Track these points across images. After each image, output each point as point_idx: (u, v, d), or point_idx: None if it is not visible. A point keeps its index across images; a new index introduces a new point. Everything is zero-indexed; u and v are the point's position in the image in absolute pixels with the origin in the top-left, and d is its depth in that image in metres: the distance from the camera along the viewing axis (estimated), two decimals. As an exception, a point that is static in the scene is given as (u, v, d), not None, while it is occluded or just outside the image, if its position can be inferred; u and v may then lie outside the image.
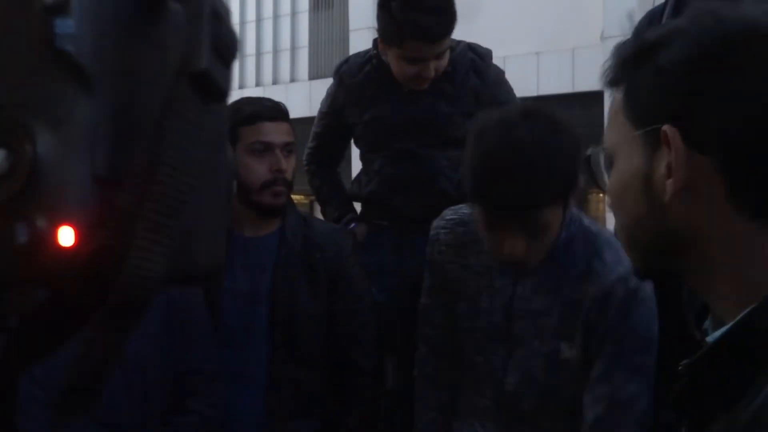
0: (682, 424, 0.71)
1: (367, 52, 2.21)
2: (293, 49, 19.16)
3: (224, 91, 0.36)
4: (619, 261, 1.40)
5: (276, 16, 19.53)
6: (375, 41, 2.17)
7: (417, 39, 1.95)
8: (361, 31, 17.62)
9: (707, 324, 0.73)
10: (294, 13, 19.29)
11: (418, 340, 1.67)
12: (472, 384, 1.53)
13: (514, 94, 2.22)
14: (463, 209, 1.59)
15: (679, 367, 0.69)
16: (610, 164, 0.76)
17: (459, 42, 2.16)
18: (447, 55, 2.05)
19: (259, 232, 1.81)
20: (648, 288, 1.38)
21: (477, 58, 2.14)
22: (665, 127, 0.66)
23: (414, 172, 2.08)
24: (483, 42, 2.25)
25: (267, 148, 1.73)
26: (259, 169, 1.73)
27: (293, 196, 1.90)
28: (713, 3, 0.70)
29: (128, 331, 0.33)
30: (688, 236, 0.68)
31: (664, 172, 0.67)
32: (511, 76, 2.30)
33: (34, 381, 1.36)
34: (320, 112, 2.33)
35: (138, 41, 0.33)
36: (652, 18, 1.94)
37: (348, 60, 2.26)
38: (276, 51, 19.43)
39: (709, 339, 0.69)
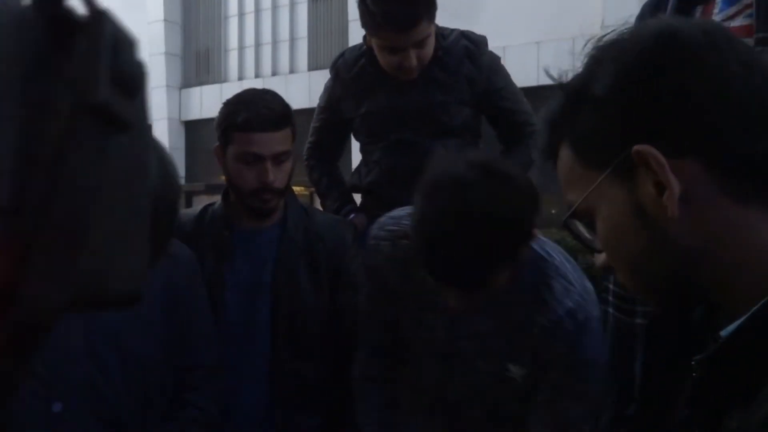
0: (696, 420, 0.69)
1: (362, 45, 2.20)
2: (292, 40, 19.11)
3: (128, 123, 0.36)
4: (568, 291, 1.37)
5: (274, 7, 19.48)
6: (364, 47, 2.17)
7: (389, 29, 1.94)
8: (360, 21, 17.59)
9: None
10: (293, 4, 19.23)
11: (359, 343, 1.64)
12: (415, 385, 1.51)
13: (511, 80, 2.20)
14: (404, 220, 1.48)
15: (693, 363, 0.67)
16: (590, 223, 0.73)
17: (452, 30, 2.15)
18: (431, 43, 2.03)
19: (259, 224, 1.80)
20: (595, 319, 1.37)
21: (471, 44, 2.12)
22: (636, 148, 0.64)
23: (411, 163, 2.03)
24: (483, 32, 2.23)
25: (257, 158, 1.69)
26: (247, 177, 1.70)
27: (295, 188, 1.88)
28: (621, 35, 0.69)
29: (29, 358, 0.34)
30: (699, 248, 0.66)
31: (654, 192, 0.65)
32: (511, 67, 2.28)
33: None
34: (318, 106, 2.33)
35: (43, 74, 0.33)
36: (659, 2, 1.91)
37: (344, 54, 2.26)
38: (275, 42, 19.38)
39: (723, 333, 0.66)
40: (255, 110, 1.69)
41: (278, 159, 1.71)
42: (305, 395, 1.74)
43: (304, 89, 18.36)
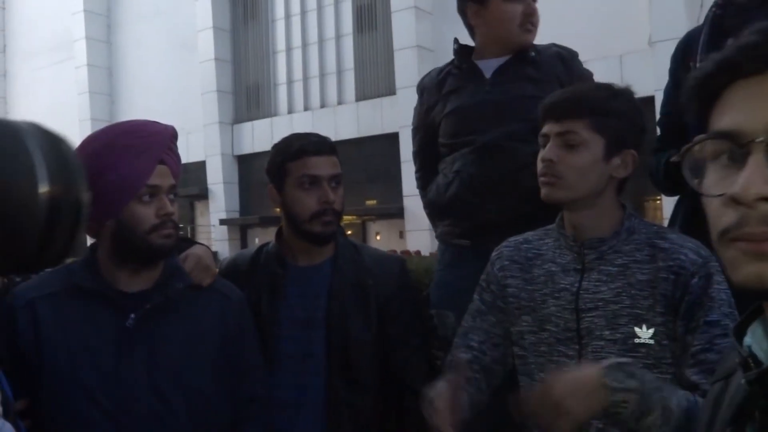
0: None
1: (444, 65, 2.23)
2: (339, 72, 19.44)
3: None
4: (685, 239, 1.42)
5: (321, 41, 19.87)
6: (455, 46, 2.18)
7: None
8: (405, 51, 17.79)
9: (749, 341, 0.72)
10: (339, 37, 19.59)
11: (458, 337, 1.65)
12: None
13: None
14: (527, 233, 1.64)
15: (744, 381, 0.69)
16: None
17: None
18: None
19: (312, 261, 1.86)
20: (717, 263, 1.37)
21: (563, 50, 2.14)
22: None
23: (497, 168, 1.98)
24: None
25: (314, 181, 1.77)
26: (308, 202, 1.77)
27: (346, 217, 1.94)
28: None
29: None
30: None
31: None
32: (561, 87, 2.29)
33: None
34: (412, 131, 2.33)
35: None
36: (691, 38, 1.93)
37: (429, 73, 2.29)
38: (322, 75, 19.73)
39: None
40: (306, 139, 1.82)
41: (334, 180, 1.80)
42: (360, 426, 1.78)
43: (352, 120, 18.60)
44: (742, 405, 0.70)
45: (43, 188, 0.49)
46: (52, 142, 0.51)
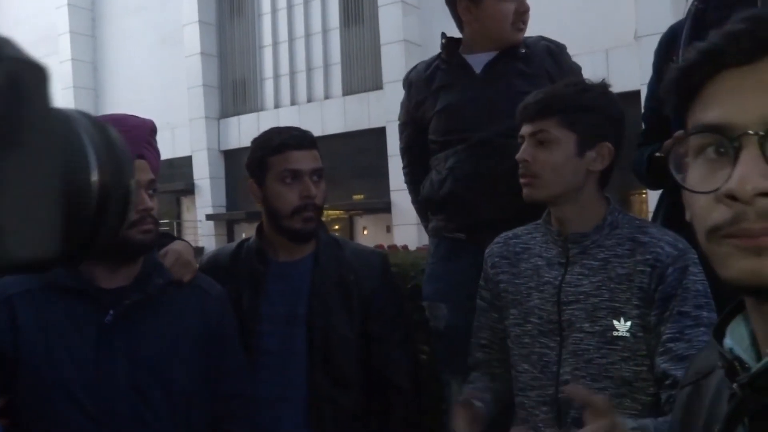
0: None
1: (433, 57, 2.21)
2: (326, 66, 19.38)
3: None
4: (664, 233, 1.45)
5: (308, 35, 19.80)
6: (443, 40, 2.16)
7: None
8: (392, 45, 17.77)
9: (729, 343, 0.70)
10: (325, 31, 19.52)
11: (470, 364, 1.69)
12: (522, 391, 1.54)
13: None
14: (517, 228, 1.67)
15: (735, 384, 0.66)
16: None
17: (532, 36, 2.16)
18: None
19: (293, 257, 1.84)
20: (695, 256, 1.40)
21: (551, 44, 2.13)
22: None
23: (492, 166, 1.98)
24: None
25: (296, 175, 1.76)
26: (289, 197, 1.76)
27: (333, 211, 1.92)
28: None
29: None
30: None
31: None
32: (546, 80, 2.28)
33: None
34: (399, 126, 2.31)
35: None
36: (674, 32, 1.93)
37: (415, 67, 2.27)
38: (309, 69, 19.67)
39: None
40: (287, 133, 1.80)
41: (315, 175, 1.79)
42: (342, 422, 1.77)
43: (339, 114, 18.56)
44: (733, 410, 0.67)
45: (94, 176, 0.50)
46: (99, 129, 0.52)
